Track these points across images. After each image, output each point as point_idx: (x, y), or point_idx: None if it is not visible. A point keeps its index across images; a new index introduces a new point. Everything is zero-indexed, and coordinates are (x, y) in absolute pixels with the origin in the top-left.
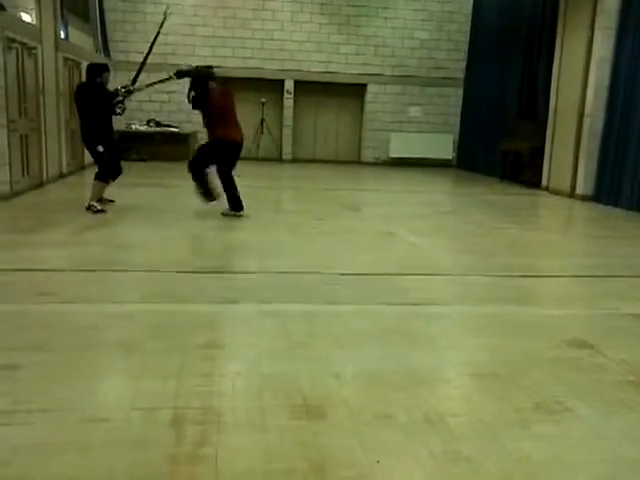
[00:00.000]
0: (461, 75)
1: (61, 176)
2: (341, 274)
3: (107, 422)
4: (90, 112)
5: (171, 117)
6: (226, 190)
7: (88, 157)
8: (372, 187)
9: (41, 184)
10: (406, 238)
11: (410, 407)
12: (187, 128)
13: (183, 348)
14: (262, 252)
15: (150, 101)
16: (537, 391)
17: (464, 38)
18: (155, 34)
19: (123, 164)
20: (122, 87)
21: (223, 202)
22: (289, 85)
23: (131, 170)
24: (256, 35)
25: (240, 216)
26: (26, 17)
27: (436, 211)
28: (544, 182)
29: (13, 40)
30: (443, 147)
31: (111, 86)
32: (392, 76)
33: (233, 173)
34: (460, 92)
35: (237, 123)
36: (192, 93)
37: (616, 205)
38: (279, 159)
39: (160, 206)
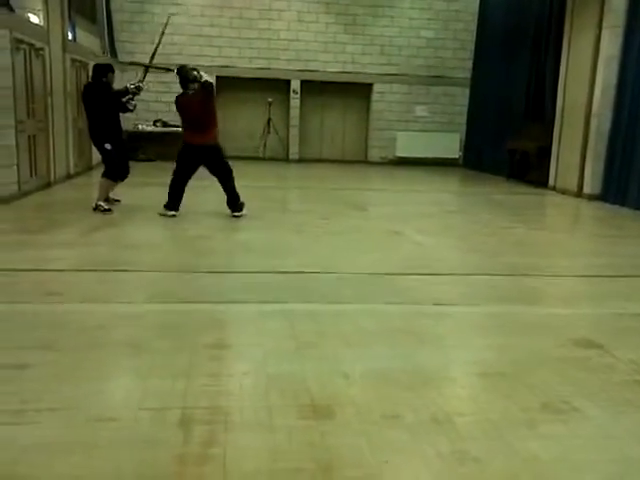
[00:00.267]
0: (468, 74)
1: (68, 177)
2: (348, 273)
3: (115, 422)
4: (97, 111)
5: (178, 117)
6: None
7: (96, 158)
8: (378, 186)
9: (49, 184)
10: (412, 237)
11: (417, 407)
12: None
13: (190, 348)
14: (268, 252)
15: (157, 101)
16: (544, 391)
17: (470, 37)
18: (158, 40)
19: (130, 164)
20: (131, 84)
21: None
22: (295, 85)
23: (138, 170)
24: (262, 35)
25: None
26: (34, 18)
27: (442, 210)
28: (551, 181)
29: (21, 41)
30: (449, 146)
31: (118, 86)
32: (398, 75)
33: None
34: (467, 91)
35: (197, 127)
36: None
37: (623, 204)
38: (286, 159)
39: None
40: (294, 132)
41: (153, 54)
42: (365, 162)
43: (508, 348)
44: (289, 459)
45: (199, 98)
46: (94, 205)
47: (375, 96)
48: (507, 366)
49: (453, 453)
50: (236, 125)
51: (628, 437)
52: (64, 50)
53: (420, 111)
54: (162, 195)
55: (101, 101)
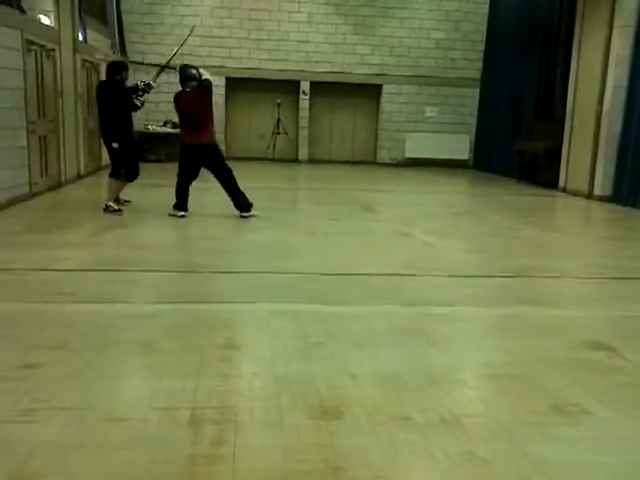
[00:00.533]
0: (477, 75)
1: (79, 177)
2: (357, 274)
3: (126, 421)
4: (110, 109)
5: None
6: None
7: (105, 158)
8: (388, 187)
9: (59, 185)
10: (422, 239)
11: (426, 408)
12: None
13: (201, 348)
14: (278, 253)
15: (167, 102)
16: (553, 392)
17: (480, 38)
18: (179, 46)
19: (140, 165)
20: (141, 81)
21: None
22: (305, 86)
23: (148, 171)
24: (272, 36)
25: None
26: (45, 20)
27: (452, 212)
28: (561, 183)
29: (32, 42)
30: (459, 147)
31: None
32: (408, 76)
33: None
34: (476, 92)
35: (193, 125)
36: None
37: (634, 206)
38: (295, 160)
39: None
40: (303, 133)
41: (170, 58)
42: (374, 163)
43: (517, 350)
44: (298, 459)
45: (195, 96)
46: (104, 206)
47: (385, 97)
48: (516, 368)
49: (462, 454)
50: (245, 126)
51: (638, 439)
52: (75, 51)
53: (430, 112)
54: (172, 196)
55: (114, 99)
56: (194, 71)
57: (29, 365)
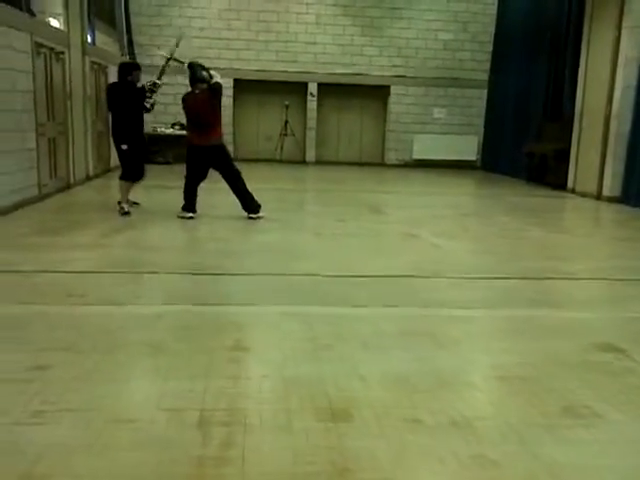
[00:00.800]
0: (485, 76)
1: (88, 178)
2: (365, 276)
3: (134, 423)
4: (121, 110)
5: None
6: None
7: (114, 160)
8: (395, 189)
9: (68, 187)
10: (429, 240)
11: (436, 410)
12: None
13: (210, 350)
14: (286, 254)
15: (175, 104)
16: (564, 395)
17: (488, 39)
18: (168, 57)
19: (149, 167)
20: (148, 82)
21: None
22: (313, 87)
23: (156, 173)
24: (280, 38)
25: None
26: (54, 22)
27: (460, 213)
28: (570, 184)
29: (42, 45)
30: (467, 149)
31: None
32: (416, 77)
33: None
34: (484, 93)
35: (201, 127)
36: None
37: None
38: (303, 161)
39: None
40: (311, 134)
41: (170, 58)
42: (382, 165)
43: (527, 352)
44: (307, 462)
45: (205, 98)
46: (118, 207)
47: (392, 98)
48: (527, 370)
49: (472, 457)
50: (253, 128)
51: None
52: (84, 54)
53: (437, 113)
54: (180, 198)
55: (125, 100)
56: (205, 73)
57: (39, 367)
